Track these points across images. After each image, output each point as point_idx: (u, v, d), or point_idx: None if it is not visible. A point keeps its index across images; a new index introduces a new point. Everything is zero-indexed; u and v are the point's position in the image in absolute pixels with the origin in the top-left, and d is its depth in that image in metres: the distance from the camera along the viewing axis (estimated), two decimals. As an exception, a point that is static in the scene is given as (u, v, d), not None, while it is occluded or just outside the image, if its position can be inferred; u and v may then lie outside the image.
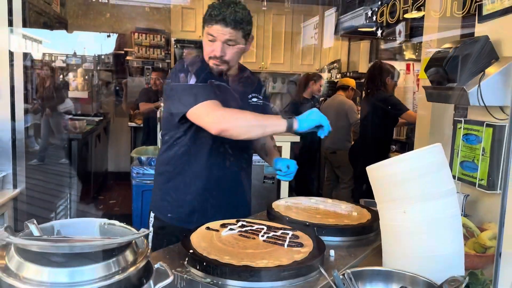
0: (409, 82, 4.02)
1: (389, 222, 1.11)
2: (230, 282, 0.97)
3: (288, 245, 1.10)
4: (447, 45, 1.75)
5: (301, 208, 1.46)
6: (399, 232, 1.09)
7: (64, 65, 5.49)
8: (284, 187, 2.97)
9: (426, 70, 1.79)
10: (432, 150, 1.09)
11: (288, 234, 1.17)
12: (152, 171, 3.00)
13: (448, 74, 1.65)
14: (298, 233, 1.20)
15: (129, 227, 0.94)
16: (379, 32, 3.62)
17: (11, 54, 2.47)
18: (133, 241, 0.86)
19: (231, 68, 1.49)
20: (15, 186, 2.55)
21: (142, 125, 5.30)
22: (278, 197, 2.93)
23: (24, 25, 2.57)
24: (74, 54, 5.46)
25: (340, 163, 4.10)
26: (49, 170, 3.90)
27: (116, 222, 0.95)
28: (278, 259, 1.02)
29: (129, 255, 0.82)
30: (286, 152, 2.95)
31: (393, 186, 1.10)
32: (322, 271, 0.97)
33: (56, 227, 0.92)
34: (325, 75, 5.51)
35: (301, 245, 1.11)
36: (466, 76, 1.57)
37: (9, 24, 2.45)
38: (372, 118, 3.28)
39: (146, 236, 0.95)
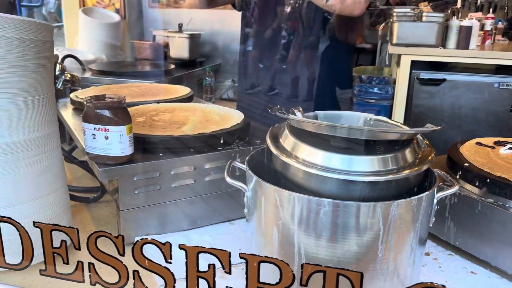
0: None
1: None
2: (524, 207, 0.77)
3: None
4: None
5: None
6: None
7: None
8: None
9: None
10: None
11: None
12: (374, 90, 2.84)
13: None
14: None
15: (401, 124, 0.81)
16: None
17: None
18: (415, 140, 0.73)
19: None
20: (249, 94, 2.76)
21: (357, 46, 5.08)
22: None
23: None
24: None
25: None
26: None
27: (385, 118, 0.83)
28: None
29: (409, 155, 0.70)
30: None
31: None
32: None
33: (320, 116, 0.86)
34: None
35: None
36: None
37: None
38: None
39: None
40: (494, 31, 3.02)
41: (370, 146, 0.71)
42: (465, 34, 2.48)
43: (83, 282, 0.63)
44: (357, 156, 0.67)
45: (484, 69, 2.60)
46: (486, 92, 2.49)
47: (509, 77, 2.48)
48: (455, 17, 2.59)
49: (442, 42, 2.58)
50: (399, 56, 2.63)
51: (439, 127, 0.67)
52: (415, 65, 2.61)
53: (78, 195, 1.09)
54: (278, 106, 0.77)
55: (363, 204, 0.61)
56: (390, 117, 2.77)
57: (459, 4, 4.14)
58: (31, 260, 0.64)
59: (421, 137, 0.75)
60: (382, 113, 2.75)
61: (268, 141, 0.75)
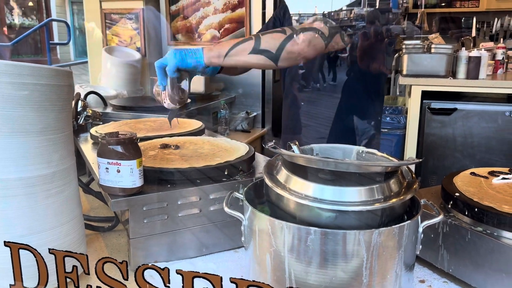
0: None
1: None
2: (510, 235, 0.80)
3: None
4: None
5: None
6: None
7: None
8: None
9: None
10: None
11: None
12: (386, 120, 2.87)
13: None
14: None
15: (390, 157, 0.86)
16: None
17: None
18: (399, 171, 0.78)
19: None
20: (263, 126, 2.84)
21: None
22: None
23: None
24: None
25: None
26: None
27: (376, 151, 0.89)
28: None
29: (394, 185, 0.75)
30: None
31: None
32: None
33: (315, 149, 0.92)
34: None
35: None
36: None
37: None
38: None
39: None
40: (506, 60, 3.05)
41: (358, 178, 0.76)
42: (474, 64, 2.52)
43: (92, 304, 0.69)
44: (344, 187, 0.73)
45: (495, 98, 2.63)
46: (498, 120, 2.51)
47: (521, 106, 2.50)
48: (464, 48, 2.64)
49: (452, 72, 2.63)
50: (410, 86, 2.68)
51: (420, 160, 0.72)
52: (426, 95, 2.65)
53: (94, 225, 1.17)
54: (274, 141, 0.83)
55: (347, 232, 0.66)
56: (403, 146, 2.80)
57: (473, 33, 4.18)
58: (46, 285, 0.71)
59: (406, 169, 0.80)
60: (395, 142, 2.78)
61: (264, 173, 0.81)
